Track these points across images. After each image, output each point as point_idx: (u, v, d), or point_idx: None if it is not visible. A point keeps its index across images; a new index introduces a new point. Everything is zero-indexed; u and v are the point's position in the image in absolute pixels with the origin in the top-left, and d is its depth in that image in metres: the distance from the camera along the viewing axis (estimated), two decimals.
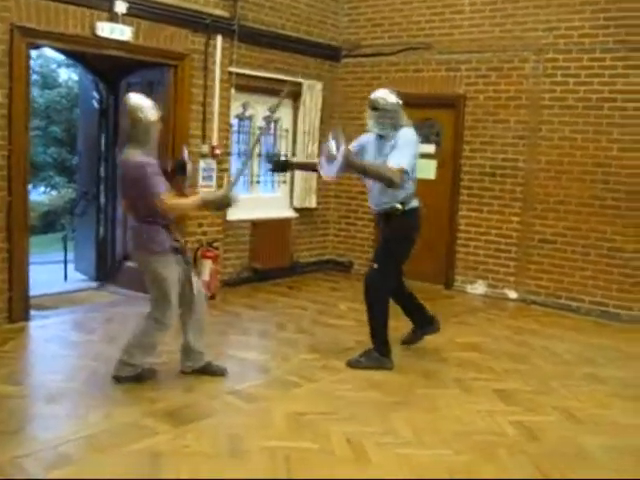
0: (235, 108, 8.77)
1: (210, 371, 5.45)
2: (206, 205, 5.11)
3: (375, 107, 5.78)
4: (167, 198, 4.89)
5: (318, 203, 9.92)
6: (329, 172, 5.45)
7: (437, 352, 6.40)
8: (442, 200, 9.17)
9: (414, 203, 5.91)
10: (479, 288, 8.98)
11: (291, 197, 9.71)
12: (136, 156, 4.93)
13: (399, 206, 5.79)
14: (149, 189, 4.85)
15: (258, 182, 9.37)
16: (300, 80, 9.31)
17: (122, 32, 7.02)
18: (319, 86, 9.61)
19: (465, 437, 4.54)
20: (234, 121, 8.86)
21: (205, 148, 8.10)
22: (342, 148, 5.20)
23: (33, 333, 6.50)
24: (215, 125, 8.22)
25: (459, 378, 5.70)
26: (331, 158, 5.33)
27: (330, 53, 9.83)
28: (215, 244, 8.26)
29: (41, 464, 3.88)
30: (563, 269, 8.38)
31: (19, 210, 6.47)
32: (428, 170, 9.22)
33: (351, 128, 9.71)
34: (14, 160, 6.43)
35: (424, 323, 6.48)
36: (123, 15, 7.00)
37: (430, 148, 9.26)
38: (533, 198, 8.54)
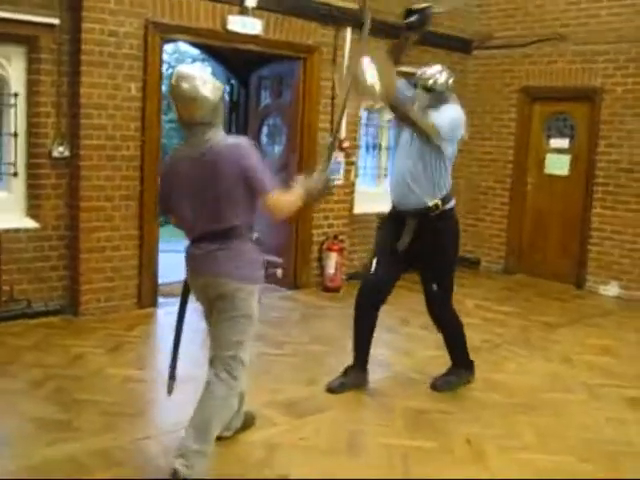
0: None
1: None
2: (308, 198, 3.71)
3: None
4: (279, 194, 3.56)
5: None
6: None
7: (565, 355, 6.15)
8: (575, 197, 8.86)
9: (453, 201, 4.97)
10: (612, 289, 8.56)
11: None
12: (227, 137, 3.56)
13: (439, 203, 4.84)
14: (260, 181, 3.49)
15: (385, 175, 9.27)
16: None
17: (253, 26, 7.10)
18: None
19: (591, 445, 4.34)
20: (363, 114, 8.82)
21: None
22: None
23: (160, 319, 6.66)
24: (343, 118, 8.18)
25: (587, 383, 5.45)
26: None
27: (460, 45, 9.59)
28: (341, 237, 8.25)
29: (161, 448, 3.97)
30: None
31: (150, 199, 6.62)
32: (561, 166, 8.96)
33: (485, 122, 9.53)
34: (147, 151, 6.63)
35: (363, 366, 5.13)
36: (253, 9, 7.07)
37: (563, 143, 8.97)
38: None
